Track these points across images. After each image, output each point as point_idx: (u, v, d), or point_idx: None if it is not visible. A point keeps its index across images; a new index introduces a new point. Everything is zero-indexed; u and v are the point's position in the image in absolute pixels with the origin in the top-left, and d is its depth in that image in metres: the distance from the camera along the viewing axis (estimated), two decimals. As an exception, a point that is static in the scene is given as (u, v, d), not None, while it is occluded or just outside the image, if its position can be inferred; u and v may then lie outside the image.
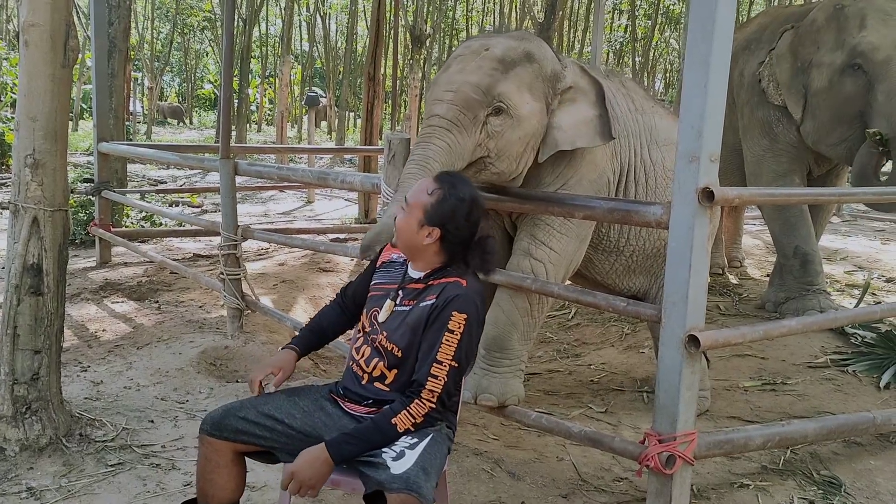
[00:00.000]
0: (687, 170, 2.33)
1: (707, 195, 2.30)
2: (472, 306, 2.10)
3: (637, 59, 24.37)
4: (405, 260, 2.28)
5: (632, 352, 4.70)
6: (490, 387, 3.04)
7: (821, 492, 2.90)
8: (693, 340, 2.35)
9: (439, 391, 2.06)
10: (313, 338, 2.41)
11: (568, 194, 3.04)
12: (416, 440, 2.06)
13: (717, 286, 5.86)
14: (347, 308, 2.42)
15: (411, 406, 2.06)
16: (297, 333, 2.45)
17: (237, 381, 3.99)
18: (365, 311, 2.30)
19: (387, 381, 2.19)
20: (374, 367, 2.20)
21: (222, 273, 4.57)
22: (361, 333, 2.29)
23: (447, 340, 2.05)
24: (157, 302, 5.69)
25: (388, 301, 2.21)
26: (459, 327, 2.06)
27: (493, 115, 2.86)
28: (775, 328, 2.93)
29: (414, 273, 2.24)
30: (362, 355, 2.24)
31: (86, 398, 3.64)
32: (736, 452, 2.94)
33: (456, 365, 2.06)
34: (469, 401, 3.03)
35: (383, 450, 2.04)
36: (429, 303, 2.12)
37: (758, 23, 5.80)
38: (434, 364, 2.05)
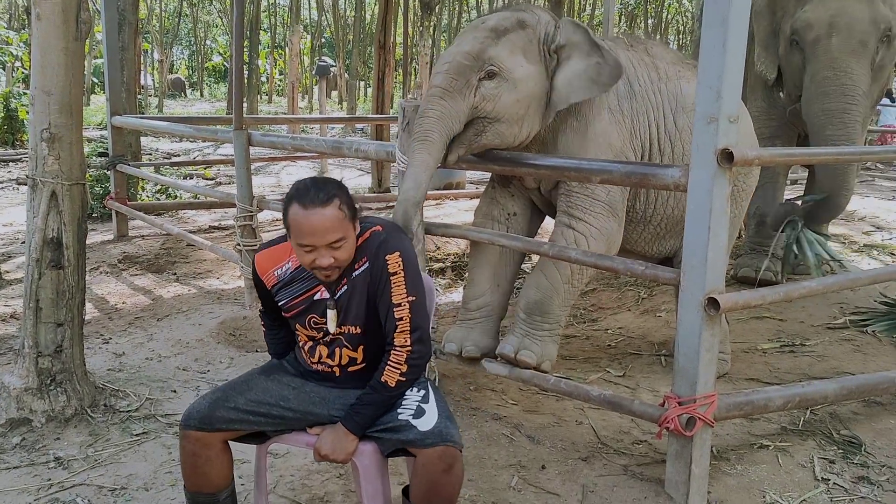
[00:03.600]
0: (705, 131, 2.31)
1: (726, 156, 2.28)
2: (398, 242, 2.10)
3: (650, 20, 24.02)
4: (298, 268, 2.15)
5: (648, 315, 4.70)
6: (531, 346, 3.13)
7: (841, 451, 2.90)
8: (713, 303, 2.35)
9: (408, 329, 2.07)
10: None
11: (585, 159, 3.02)
12: (423, 392, 2.11)
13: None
14: (283, 325, 2.31)
15: (390, 358, 2.08)
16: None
17: (256, 351, 4.03)
18: (298, 326, 2.20)
19: (358, 361, 2.19)
20: (340, 357, 2.19)
21: (238, 244, 4.59)
22: (308, 341, 2.21)
23: (395, 283, 2.06)
24: (175, 274, 5.74)
25: (330, 312, 2.12)
26: (399, 265, 2.06)
27: (487, 79, 2.97)
28: (795, 289, 2.90)
29: None
30: (320, 356, 2.20)
31: (109, 369, 3.68)
32: (755, 413, 2.94)
33: (413, 298, 2.07)
34: (509, 355, 3.09)
35: (397, 412, 2.07)
36: (364, 267, 2.09)
37: None
38: (394, 307, 2.06)
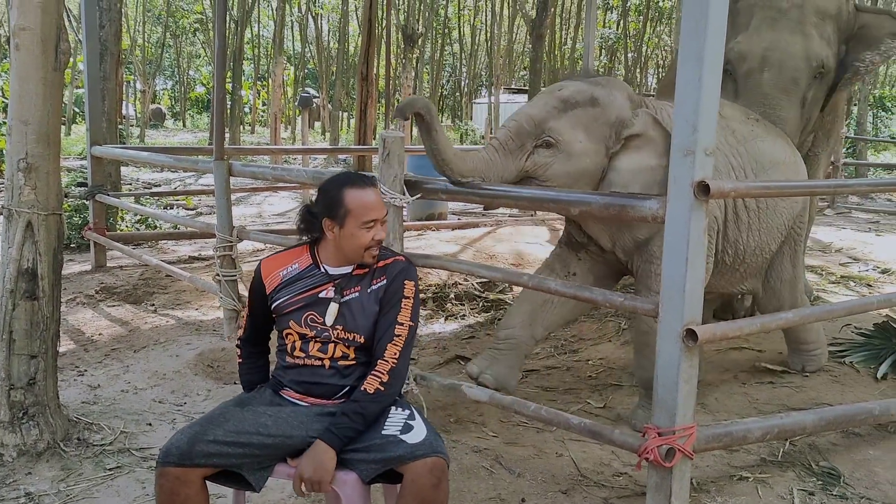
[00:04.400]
0: (682, 163, 2.33)
1: (703, 189, 2.30)
2: (415, 274, 2.33)
3: (629, 55, 24.38)
4: (307, 267, 2.28)
5: (629, 346, 4.70)
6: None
7: (820, 483, 2.90)
8: (691, 334, 2.35)
9: (400, 347, 2.20)
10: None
11: (563, 191, 3.05)
12: (407, 412, 2.16)
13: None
14: (257, 352, 2.40)
15: (375, 368, 2.17)
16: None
17: (235, 383, 3.98)
18: (292, 323, 2.24)
19: (350, 358, 2.23)
20: (334, 351, 2.22)
21: (218, 274, 4.56)
22: (297, 340, 2.24)
23: (405, 305, 2.24)
24: (154, 305, 5.68)
25: (332, 304, 2.22)
26: (412, 293, 2.26)
27: (542, 147, 3.09)
28: (772, 321, 2.93)
29: (342, 269, 2.27)
30: (312, 350, 2.22)
31: (83, 402, 3.63)
32: (735, 445, 2.94)
33: (413, 324, 2.24)
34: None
35: (382, 431, 2.07)
36: (380, 284, 2.25)
37: None
38: (396, 325, 2.21)
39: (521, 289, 3.51)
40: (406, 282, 2.26)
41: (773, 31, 4.24)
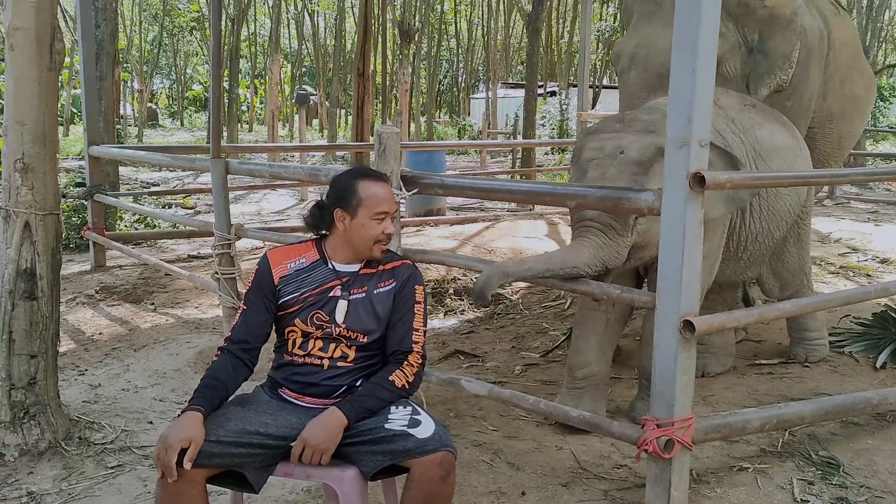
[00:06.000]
0: (677, 155, 2.34)
1: (698, 180, 2.31)
2: (422, 280, 2.38)
3: (626, 48, 24.25)
4: (314, 262, 2.29)
5: (628, 339, 4.71)
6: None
7: (820, 472, 2.91)
8: (688, 325, 2.36)
9: (422, 352, 2.28)
10: (215, 395, 2.12)
11: (559, 185, 3.05)
12: (411, 408, 2.15)
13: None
14: (242, 358, 2.23)
15: (403, 366, 2.22)
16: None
17: (235, 381, 3.99)
18: (297, 321, 2.23)
19: (349, 359, 2.23)
20: (334, 351, 2.23)
21: (217, 272, 4.56)
22: (299, 338, 2.24)
23: (418, 311, 2.29)
24: (153, 304, 5.69)
25: (342, 301, 2.24)
26: (422, 298, 2.32)
27: (640, 216, 2.93)
28: (770, 311, 2.94)
29: (349, 267, 2.29)
30: (312, 348, 2.23)
31: (84, 401, 3.63)
32: (734, 436, 2.95)
33: (426, 329, 2.31)
34: None
35: (387, 425, 2.06)
36: (389, 287, 2.29)
37: None
38: (413, 332, 2.27)
39: (582, 317, 3.42)
40: (416, 287, 2.31)
41: (648, 27, 3.99)
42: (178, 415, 2.04)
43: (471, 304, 5.74)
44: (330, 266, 2.29)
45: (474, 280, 6.00)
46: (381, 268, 2.31)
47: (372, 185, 2.26)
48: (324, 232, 2.34)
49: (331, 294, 2.25)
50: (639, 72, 3.90)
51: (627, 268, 3.16)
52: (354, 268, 2.29)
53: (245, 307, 2.29)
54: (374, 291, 2.27)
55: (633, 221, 2.94)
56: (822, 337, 4.07)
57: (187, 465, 1.91)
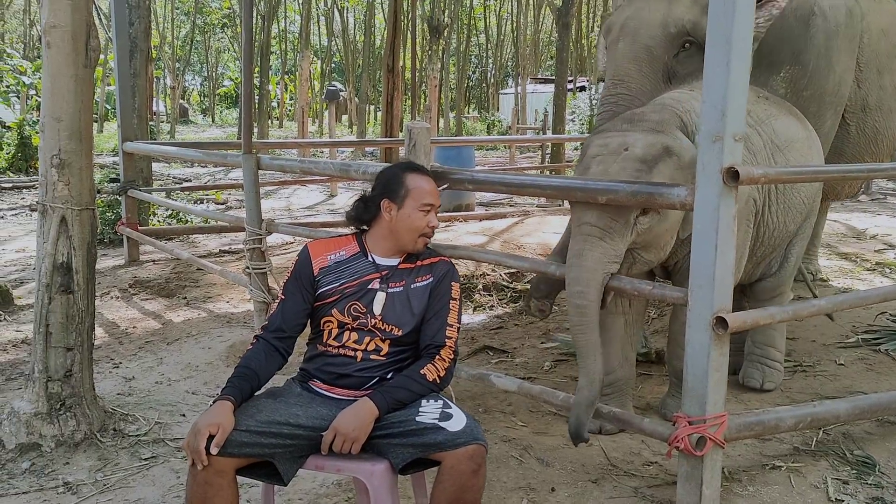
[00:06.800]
0: (710, 149, 2.31)
1: (732, 175, 2.27)
2: (459, 277, 2.42)
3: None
4: (354, 255, 2.33)
5: (659, 336, 4.67)
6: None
7: (854, 472, 2.87)
8: (721, 322, 2.33)
9: (454, 348, 2.29)
10: (247, 385, 2.15)
11: (591, 180, 3.00)
12: (441, 401, 2.15)
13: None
14: (277, 347, 2.26)
15: (435, 361, 2.23)
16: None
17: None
18: (335, 311, 2.26)
19: (382, 353, 2.25)
20: (368, 343, 2.24)
21: (248, 267, 4.61)
22: (335, 328, 2.26)
23: (453, 307, 2.31)
24: (186, 298, 5.76)
25: (380, 293, 2.27)
26: (458, 295, 2.35)
27: (642, 215, 2.85)
28: (804, 308, 2.89)
29: (389, 260, 2.33)
30: (347, 340, 2.24)
31: (118, 394, 3.69)
32: (767, 434, 2.91)
33: (459, 325, 2.32)
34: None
35: (418, 418, 2.07)
36: (426, 282, 2.32)
37: None
38: (447, 327, 2.28)
39: (602, 324, 3.38)
40: (453, 283, 2.34)
41: (640, 1, 3.82)
42: (210, 405, 2.07)
43: (500, 300, 5.73)
44: (370, 259, 2.32)
45: (502, 275, 5.98)
46: (419, 263, 2.34)
47: (419, 178, 2.34)
48: (364, 227, 2.37)
49: (369, 286, 2.27)
50: (627, 43, 3.74)
51: (638, 272, 3.06)
52: (394, 261, 2.32)
53: (283, 296, 2.31)
54: (412, 286, 2.30)
55: (633, 220, 2.85)
56: (781, 361, 3.78)
57: (214, 450, 1.94)
